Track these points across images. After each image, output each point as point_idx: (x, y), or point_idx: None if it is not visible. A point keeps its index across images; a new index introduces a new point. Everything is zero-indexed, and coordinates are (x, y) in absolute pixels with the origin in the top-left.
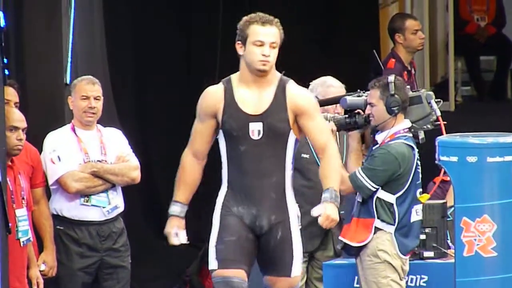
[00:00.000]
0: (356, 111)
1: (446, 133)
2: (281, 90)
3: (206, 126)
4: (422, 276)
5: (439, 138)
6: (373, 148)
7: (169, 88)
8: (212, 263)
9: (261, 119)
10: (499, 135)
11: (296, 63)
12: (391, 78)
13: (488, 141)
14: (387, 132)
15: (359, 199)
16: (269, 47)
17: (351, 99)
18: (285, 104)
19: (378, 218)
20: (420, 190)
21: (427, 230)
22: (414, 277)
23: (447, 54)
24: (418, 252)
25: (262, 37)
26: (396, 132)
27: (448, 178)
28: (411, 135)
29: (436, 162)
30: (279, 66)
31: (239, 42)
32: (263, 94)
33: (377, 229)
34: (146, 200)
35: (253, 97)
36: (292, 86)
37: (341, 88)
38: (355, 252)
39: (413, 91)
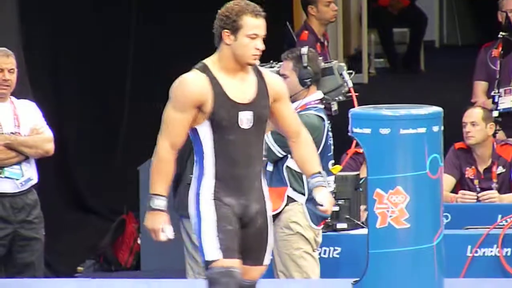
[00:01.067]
0: None
1: (360, 105)
2: (259, 76)
3: (188, 116)
4: (335, 247)
5: (352, 110)
6: None
7: (82, 63)
8: (214, 253)
9: (250, 107)
10: (412, 107)
11: (208, 37)
12: (304, 49)
13: (401, 113)
14: (298, 103)
15: (270, 168)
16: (261, 40)
17: None
18: (266, 91)
19: (290, 186)
20: (332, 161)
21: (340, 202)
22: (327, 248)
23: (360, 26)
24: (331, 224)
25: (257, 30)
26: (308, 103)
27: (362, 150)
28: (322, 106)
29: (349, 134)
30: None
31: (227, 30)
32: (245, 81)
33: (289, 199)
34: (59, 172)
35: (238, 85)
36: (266, 71)
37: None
38: None
39: (325, 63)
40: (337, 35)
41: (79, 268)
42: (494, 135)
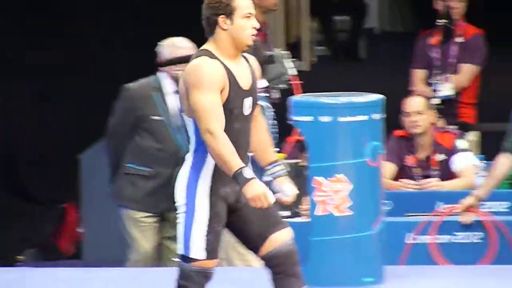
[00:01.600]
0: None
1: (303, 92)
2: (245, 60)
3: (219, 97)
4: None
5: (293, 97)
6: None
7: (19, 55)
8: (199, 253)
9: (250, 93)
10: (352, 95)
11: (144, 35)
12: None
13: (342, 101)
14: None
15: None
16: (254, 19)
17: None
18: (254, 75)
19: None
20: (277, 149)
21: None
22: None
23: (301, 14)
24: None
25: (250, 9)
26: None
27: (302, 138)
28: (267, 94)
29: (290, 122)
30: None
31: (222, 15)
32: (242, 66)
33: None
34: (0, 162)
35: (240, 71)
36: (247, 55)
37: (191, 49)
38: None
39: (268, 51)
40: (278, 23)
41: (20, 257)
42: (435, 123)
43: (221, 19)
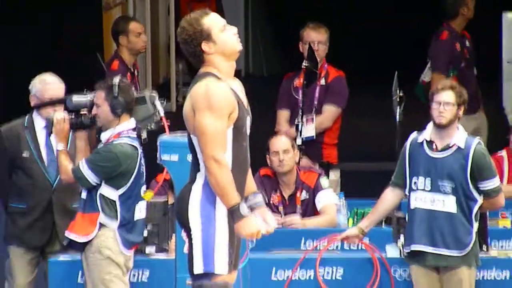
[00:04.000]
0: (82, 111)
1: (170, 133)
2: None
3: (226, 123)
4: (144, 271)
5: (161, 137)
6: (98, 146)
7: None
8: (224, 268)
9: (248, 112)
10: None
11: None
12: (116, 80)
13: None
14: (111, 131)
15: (83, 195)
16: (230, 26)
17: (77, 99)
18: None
19: (102, 212)
20: (145, 188)
21: (149, 227)
22: (136, 272)
23: (168, 56)
24: (140, 248)
25: (223, 21)
26: (121, 132)
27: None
28: (135, 135)
29: (158, 161)
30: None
31: (204, 41)
32: (239, 87)
33: (101, 225)
34: None
35: (240, 91)
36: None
37: (59, 84)
38: (81, 247)
39: (137, 92)
40: (146, 65)
41: None
42: (298, 162)
43: (204, 46)
